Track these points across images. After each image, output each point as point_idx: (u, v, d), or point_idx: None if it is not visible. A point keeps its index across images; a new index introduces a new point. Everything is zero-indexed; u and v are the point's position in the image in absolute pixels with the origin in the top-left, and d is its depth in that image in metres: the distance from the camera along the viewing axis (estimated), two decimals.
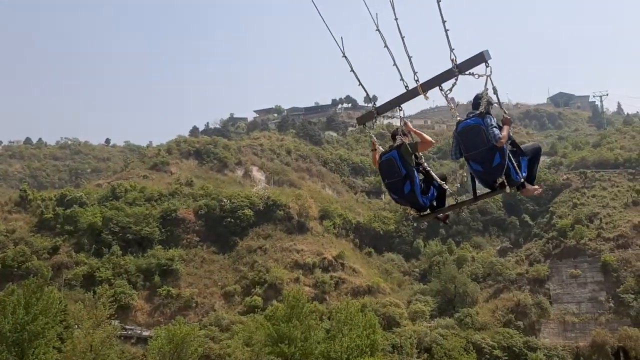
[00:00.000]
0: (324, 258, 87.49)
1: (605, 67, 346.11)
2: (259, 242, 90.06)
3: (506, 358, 69.17)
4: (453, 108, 7.68)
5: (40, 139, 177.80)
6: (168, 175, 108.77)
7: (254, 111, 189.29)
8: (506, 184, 7.27)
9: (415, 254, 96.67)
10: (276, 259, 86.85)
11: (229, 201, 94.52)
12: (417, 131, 8.05)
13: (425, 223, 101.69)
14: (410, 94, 7.76)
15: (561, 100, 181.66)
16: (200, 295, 79.35)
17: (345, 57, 7.95)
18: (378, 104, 8.35)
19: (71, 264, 79.30)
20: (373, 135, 8.61)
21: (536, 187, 8.02)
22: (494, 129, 7.18)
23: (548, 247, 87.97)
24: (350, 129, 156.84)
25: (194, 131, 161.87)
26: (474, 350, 65.68)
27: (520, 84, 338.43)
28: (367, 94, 8.81)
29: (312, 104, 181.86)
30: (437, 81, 7.38)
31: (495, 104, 7.46)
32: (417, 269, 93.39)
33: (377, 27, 7.62)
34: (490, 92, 7.24)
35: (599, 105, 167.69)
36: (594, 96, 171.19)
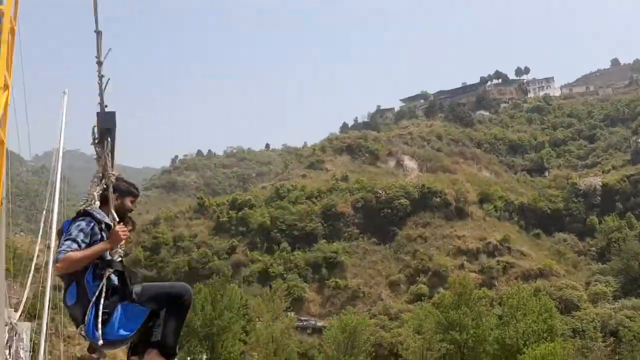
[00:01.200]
0: (488, 243, 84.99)
1: None
2: (418, 231, 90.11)
3: None
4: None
5: (209, 150, 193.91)
6: (324, 172, 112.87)
7: (400, 100, 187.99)
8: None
9: (590, 231, 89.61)
10: (437, 247, 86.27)
11: (384, 192, 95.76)
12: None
13: (599, 197, 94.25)
14: None
15: None
16: (366, 285, 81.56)
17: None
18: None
19: (247, 262, 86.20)
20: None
21: None
22: (68, 241, 4.10)
23: None
24: (502, 105, 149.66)
25: (344, 127, 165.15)
26: None
27: None
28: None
29: (459, 85, 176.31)
30: None
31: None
32: (593, 248, 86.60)
33: None
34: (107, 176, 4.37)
35: None
36: None
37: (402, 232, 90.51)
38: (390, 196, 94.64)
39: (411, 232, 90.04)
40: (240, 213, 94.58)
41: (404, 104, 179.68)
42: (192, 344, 49.65)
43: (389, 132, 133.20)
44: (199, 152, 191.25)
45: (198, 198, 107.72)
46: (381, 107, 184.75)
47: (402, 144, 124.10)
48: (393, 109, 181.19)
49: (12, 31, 8.93)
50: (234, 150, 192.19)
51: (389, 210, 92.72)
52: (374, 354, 55.99)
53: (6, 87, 9.02)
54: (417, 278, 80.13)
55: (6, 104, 9.14)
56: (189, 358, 46.74)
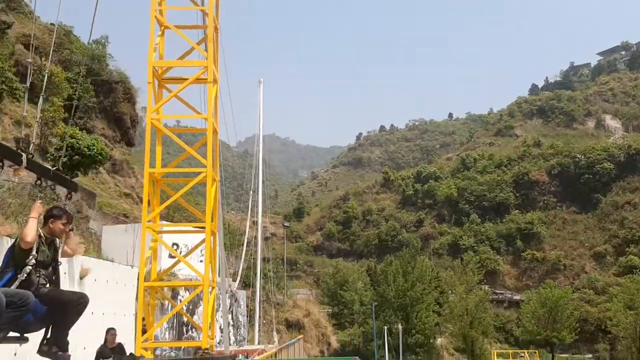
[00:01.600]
0: None
1: None
2: (625, 197, 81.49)
3: None
4: None
5: (392, 125, 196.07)
6: (513, 138, 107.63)
7: (597, 54, 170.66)
8: None
9: None
10: None
11: (583, 157, 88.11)
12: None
13: None
14: None
15: None
16: (567, 257, 76.41)
17: None
18: None
19: (435, 234, 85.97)
20: None
21: None
22: None
23: None
24: None
25: (534, 89, 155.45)
26: None
27: None
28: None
29: None
30: None
31: None
32: None
33: None
34: None
35: None
36: None
37: (606, 199, 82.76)
38: (591, 160, 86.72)
39: (617, 199, 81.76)
40: (425, 186, 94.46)
41: (601, 58, 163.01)
42: (387, 314, 51.17)
43: (586, 90, 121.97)
44: (382, 128, 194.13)
45: (383, 172, 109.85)
46: (575, 64, 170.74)
47: (602, 102, 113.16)
48: (589, 64, 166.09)
49: (215, 29, 9.90)
50: (417, 123, 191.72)
51: (590, 176, 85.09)
52: (579, 329, 52.47)
53: (215, 81, 10.04)
54: (627, 249, 73.01)
55: (216, 97, 10.19)
56: (386, 327, 48.21)
